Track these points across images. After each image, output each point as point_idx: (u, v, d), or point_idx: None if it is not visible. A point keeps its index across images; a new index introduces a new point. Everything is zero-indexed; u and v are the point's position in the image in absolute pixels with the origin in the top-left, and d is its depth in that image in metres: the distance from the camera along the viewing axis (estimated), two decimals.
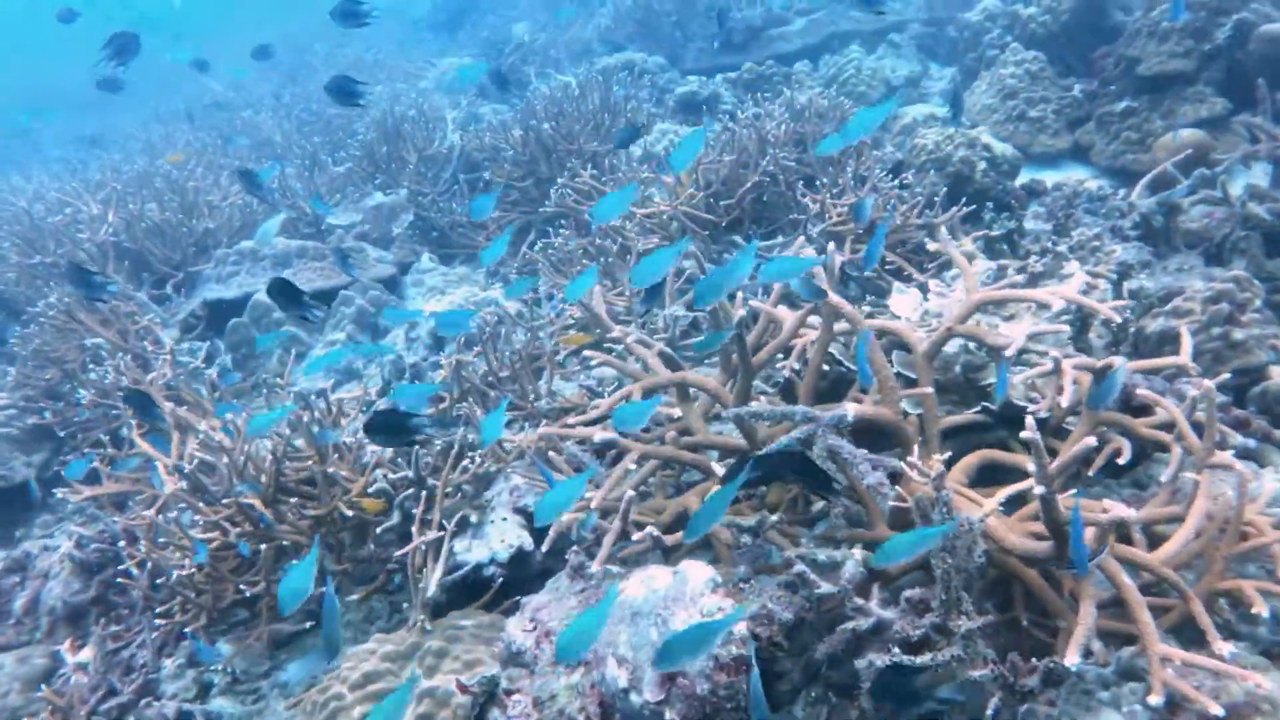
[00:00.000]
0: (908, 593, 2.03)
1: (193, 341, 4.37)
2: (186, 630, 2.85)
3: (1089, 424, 2.40)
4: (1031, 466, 1.81)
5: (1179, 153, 3.96)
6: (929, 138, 4.15)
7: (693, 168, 4.22)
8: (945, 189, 3.85)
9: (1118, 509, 1.85)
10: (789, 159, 4.07)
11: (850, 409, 2.34)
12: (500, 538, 2.77)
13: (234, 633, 3.06)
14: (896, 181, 3.88)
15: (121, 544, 3.08)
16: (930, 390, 2.61)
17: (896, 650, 1.91)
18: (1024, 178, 4.42)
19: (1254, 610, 1.90)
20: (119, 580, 3.09)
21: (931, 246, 2.76)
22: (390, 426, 2.23)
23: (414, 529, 2.51)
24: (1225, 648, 1.83)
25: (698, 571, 2.03)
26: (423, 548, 2.64)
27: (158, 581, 2.96)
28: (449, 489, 2.80)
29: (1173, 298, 3.10)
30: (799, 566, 2.14)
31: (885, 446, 2.60)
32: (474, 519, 2.80)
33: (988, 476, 2.58)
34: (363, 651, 2.41)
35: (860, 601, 2.06)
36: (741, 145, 4.19)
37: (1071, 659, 1.75)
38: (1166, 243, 3.72)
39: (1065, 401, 2.23)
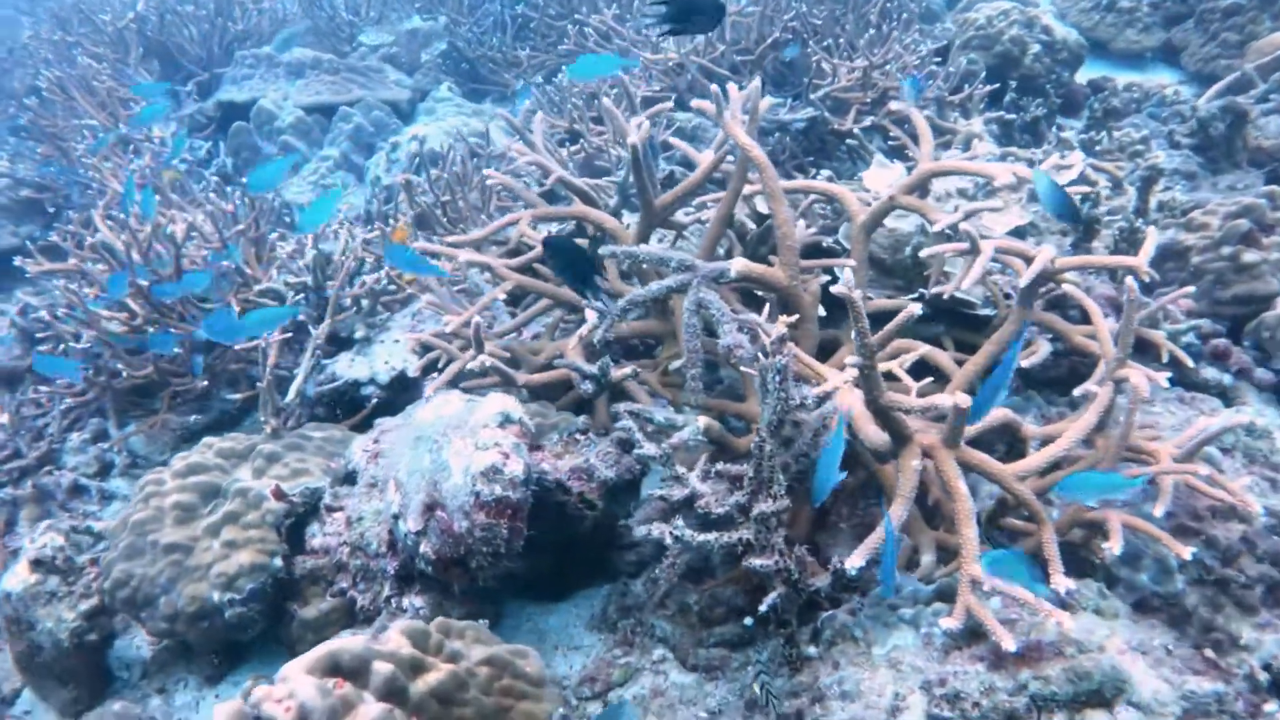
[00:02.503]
0: (721, 466, 1.80)
1: (194, 139, 4.31)
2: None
3: (1016, 323, 2.08)
4: (853, 335, 1.53)
5: (1269, 54, 3.39)
6: (982, 12, 3.66)
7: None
8: (972, 63, 3.39)
9: (959, 398, 1.56)
10: (817, 17, 3.65)
11: (735, 264, 2.07)
12: (385, 359, 2.63)
13: (144, 419, 3.05)
14: (925, 53, 3.43)
15: (43, 313, 3.06)
16: (853, 263, 2.31)
17: (680, 523, 1.70)
18: (1094, 74, 3.89)
19: (1106, 544, 1.60)
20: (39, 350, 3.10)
21: (893, 106, 2.40)
22: None
23: (268, 343, 2.37)
24: (1064, 583, 1.56)
25: (493, 403, 1.83)
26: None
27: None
28: (344, 302, 2.66)
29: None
30: (625, 422, 1.93)
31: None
32: (361, 334, 2.66)
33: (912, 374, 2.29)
34: (202, 445, 2.33)
35: (680, 470, 1.84)
36: None
37: (853, 561, 1.50)
38: (1228, 157, 3.21)
39: (968, 283, 1.90)
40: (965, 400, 1.58)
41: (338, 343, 2.72)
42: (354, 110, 4.27)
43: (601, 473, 1.96)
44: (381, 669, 1.34)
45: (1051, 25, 3.58)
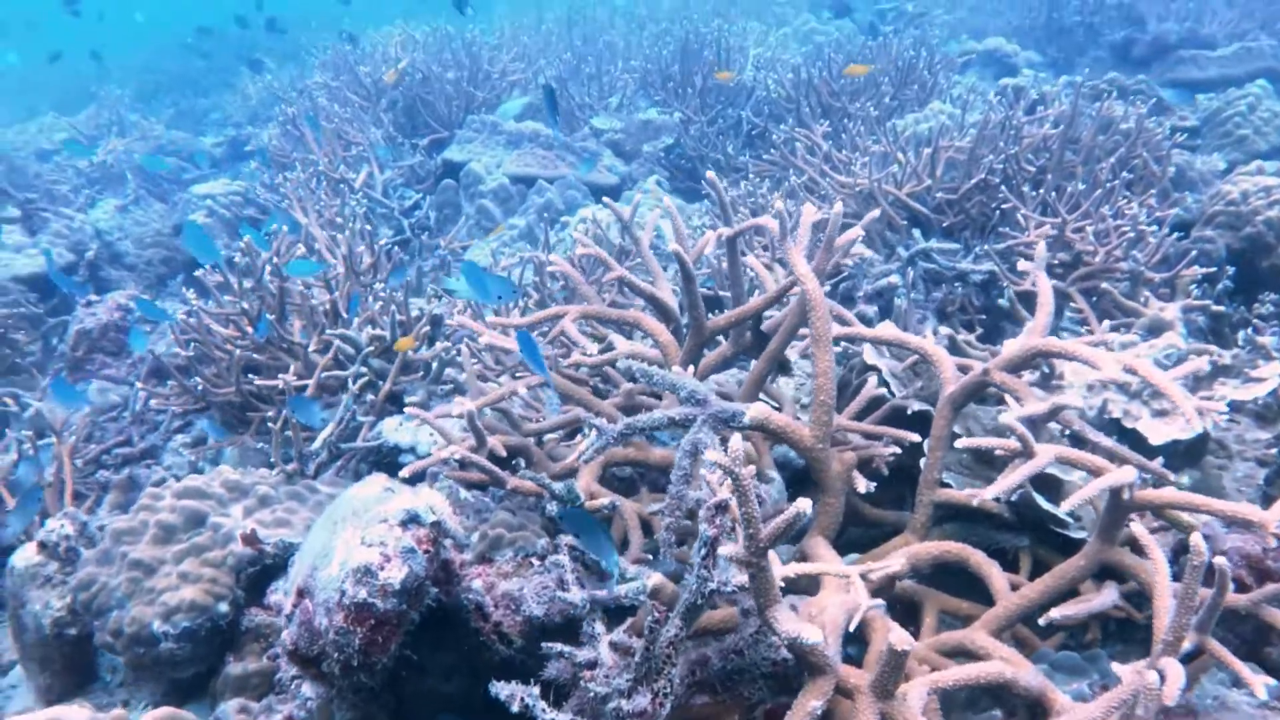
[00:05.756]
0: (615, 636, 1.49)
1: (404, 189, 4.55)
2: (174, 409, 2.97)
3: (1091, 558, 1.61)
4: (740, 518, 1.19)
5: None
6: (1240, 185, 3.08)
7: (931, 153, 3.53)
8: (1206, 242, 2.82)
9: (896, 636, 1.17)
10: (1033, 162, 3.23)
11: (753, 409, 1.77)
12: (431, 431, 2.52)
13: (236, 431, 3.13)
14: (1154, 224, 2.91)
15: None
16: (915, 437, 1.93)
17: (534, 694, 1.41)
18: None
19: None
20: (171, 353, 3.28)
21: (1022, 266, 1.99)
22: None
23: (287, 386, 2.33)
24: None
25: (407, 498, 1.64)
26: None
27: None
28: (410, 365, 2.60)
29: None
30: (560, 557, 1.67)
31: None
32: (419, 400, 2.57)
33: (951, 584, 1.87)
34: (214, 472, 2.31)
35: (599, 629, 1.56)
36: (990, 135, 3.41)
37: None
38: None
39: (991, 494, 1.48)
40: (904, 640, 1.18)
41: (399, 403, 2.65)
42: (549, 186, 4.33)
43: (530, 607, 1.70)
44: None
45: None
